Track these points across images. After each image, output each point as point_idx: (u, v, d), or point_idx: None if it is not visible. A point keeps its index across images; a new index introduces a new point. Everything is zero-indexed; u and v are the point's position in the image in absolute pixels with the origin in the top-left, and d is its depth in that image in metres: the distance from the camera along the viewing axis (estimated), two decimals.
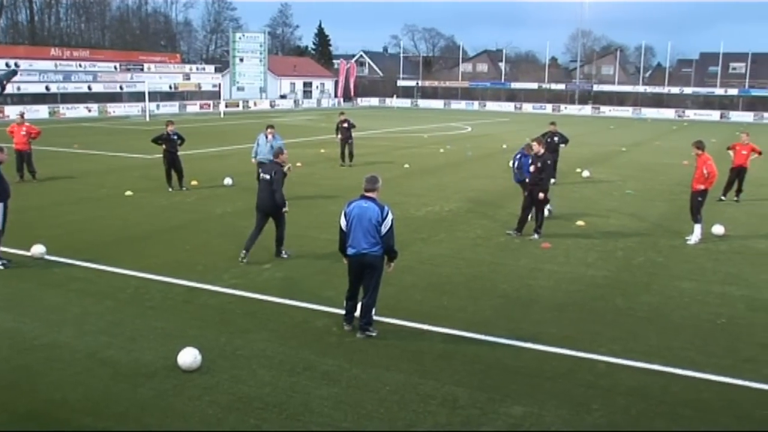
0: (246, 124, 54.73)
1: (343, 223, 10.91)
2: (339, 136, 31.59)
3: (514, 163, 20.34)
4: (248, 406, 8.60)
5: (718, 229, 18.84)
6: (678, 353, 10.67)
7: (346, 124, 31.23)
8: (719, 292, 13.93)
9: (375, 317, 11.03)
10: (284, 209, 15.24)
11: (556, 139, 26.13)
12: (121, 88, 67.81)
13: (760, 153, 24.94)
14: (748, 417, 8.84)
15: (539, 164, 17.65)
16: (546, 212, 19.03)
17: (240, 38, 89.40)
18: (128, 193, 22.67)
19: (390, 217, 10.72)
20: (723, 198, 24.30)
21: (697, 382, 9.77)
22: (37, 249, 14.60)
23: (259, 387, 9.12)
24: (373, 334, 10.86)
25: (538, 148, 17.79)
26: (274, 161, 15.98)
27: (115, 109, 63.74)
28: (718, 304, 13.16)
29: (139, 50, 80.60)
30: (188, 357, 9.49)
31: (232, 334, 10.91)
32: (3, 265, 14.16)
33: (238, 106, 78.02)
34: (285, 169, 15.53)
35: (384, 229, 10.61)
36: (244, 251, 15.06)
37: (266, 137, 22.08)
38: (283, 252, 15.50)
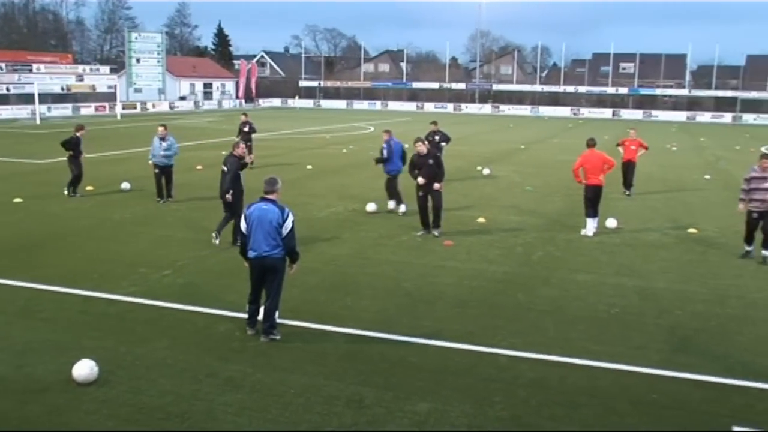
0: (144, 127, 53.23)
1: (243, 226, 10.77)
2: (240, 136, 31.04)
3: (384, 153, 20.89)
4: (149, 417, 8.38)
5: (611, 223, 19.41)
6: (575, 344, 10.93)
7: (247, 128, 30.80)
8: (613, 283, 14.31)
9: (278, 320, 10.90)
10: (227, 196, 16.18)
11: (437, 137, 26.41)
12: (8, 89, 65.27)
13: (646, 148, 25.91)
14: (641, 401, 9.12)
15: (430, 161, 17.70)
16: (400, 211, 19.90)
17: (136, 38, 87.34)
18: (17, 200, 21.83)
19: (291, 218, 10.65)
20: (627, 192, 25.21)
21: (593, 370, 10.02)
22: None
23: (161, 397, 8.90)
24: (277, 337, 10.77)
25: (422, 149, 17.79)
26: (231, 154, 16.78)
27: (2, 112, 61.53)
28: (612, 295, 13.53)
29: (27, 50, 77.69)
30: (84, 369, 9.12)
31: (131, 343, 10.61)
32: None
33: (135, 108, 76.46)
34: (247, 159, 17.21)
35: (285, 231, 10.53)
36: (215, 233, 16.48)
37: (159, 138, 21.66)
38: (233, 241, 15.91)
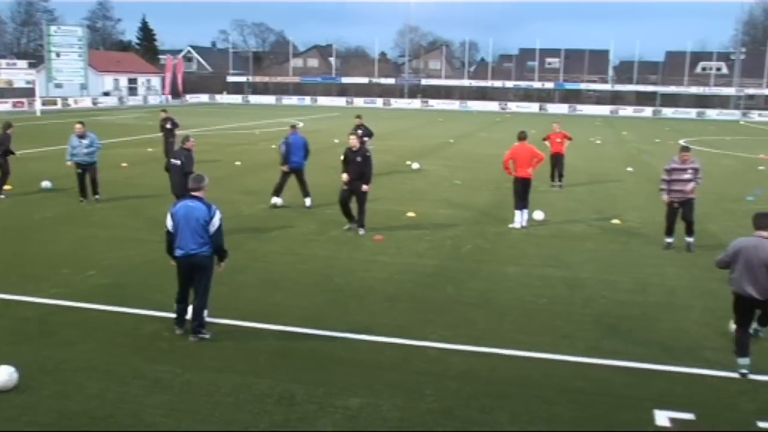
0: (66, 123, 51.24)
1: (169, 224, 10.56)
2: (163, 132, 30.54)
3: (282, 147, 21.00)
4: (74, 422, 8.15)
5: (538, 215, 19.66)
6: (504, 335, 11.03)
7: (169, 124, 30.13)
8: (540, 275, 14.50)
9: (207, 319, 10.75)
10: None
11: (360, 132, 26.42)
12: None
13: (570, 138, 26.31)
14: (568, 388, 9.25)
15: (359, 159, 17.48)
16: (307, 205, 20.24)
17: (56, 32, 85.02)
18: None
19: (218, 216, 10.52)
20: (553, 184, 25.73)
21: (521, 360, 10.13)
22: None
23: (86, 401, 8.67)
24: (207, 336, 10.62)
25: (354, 142, 17.64)
26: (182, 147, 17.49)
27: None
28: (540, 286, 13.70)
29: None
30: (2, 376, 8.82)
31: (54, 347, 10.33)
32: None
33: (56, 104, 74.75)
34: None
35: (212, 228, 10.41)
36: None
37: (77, 136, 20.98)
38: None
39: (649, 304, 12.87)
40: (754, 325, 9.80)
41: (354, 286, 13.52)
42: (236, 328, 11.12)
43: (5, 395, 8.73)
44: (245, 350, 10.31)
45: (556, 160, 25.69)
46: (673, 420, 8.44)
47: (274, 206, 20.77)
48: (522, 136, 19.08)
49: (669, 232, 16.84)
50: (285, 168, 20.84)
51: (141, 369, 9.61)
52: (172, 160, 17.44)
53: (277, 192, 20.95)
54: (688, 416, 8.54)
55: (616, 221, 19.79)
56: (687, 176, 16.41)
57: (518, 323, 11.62)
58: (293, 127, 22.03)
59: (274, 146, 38.84)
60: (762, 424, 8.43)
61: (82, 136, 20.92)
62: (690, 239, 16.81)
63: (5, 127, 23.07)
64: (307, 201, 20.86)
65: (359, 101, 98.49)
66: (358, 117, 27.65)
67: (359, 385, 9.16)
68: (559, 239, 17.65)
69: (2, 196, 22.20)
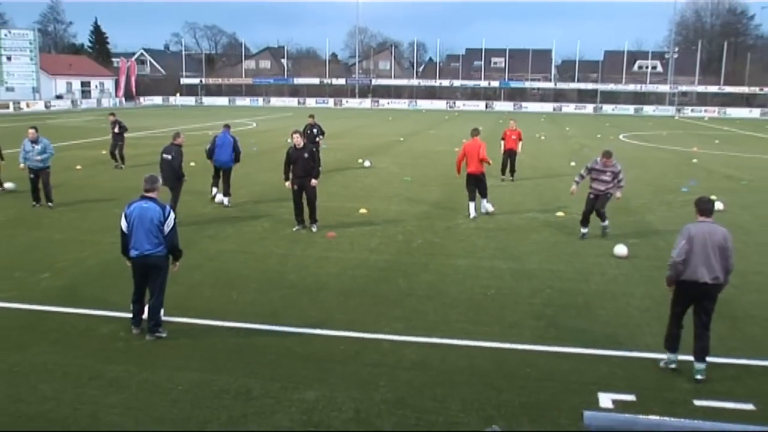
0: (18, 127, 50.38)
1: (123, 224, 10.45)
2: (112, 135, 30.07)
3: (207, 145, 21.36)
4: (29, 425, 8.03)
5: (488, 207, 19.76)
6: (454, 326, 11.11)
7: (117, 128, 29.56)
8: (489, 266, 14.61)
9: (164, 317, 10.66)
10: (184, 179, 18.37)
11: (314, 130, 26.82)
12: None
13: (521, 139, 26.54)
14: (516, 375, 9.39)
15: (306, 155, 17.30)
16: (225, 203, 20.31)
17: (6, 35, 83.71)
18: None
19: (172, 216, 10.46)
20: (504, 178, 25.93)
21: (471, 349, 10.21)
22: None
23: (41, 403, 8.53)
24: (163, 335, 10.53)
25: (299, 141, 17.42)
26: (173, 143, 18.58)
27: None
28: (488, 277, 13.81)
29: None
30: None
31: (7, 350, 10.14)
32: None
33: (8, 107, 73.40)
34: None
35: (167, 228, 10.33)
36: None
37: (30, 141, 20.46)
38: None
39: (591, 292, 13.06)
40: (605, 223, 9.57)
41: (308, 282, 13.49)
42: (192, 326, 11.04)
43: None
44: (202, 348, 10.24)
45: (509, 156, 25.92)
46: (615, 401, 8.59)
47: (213, 198, 20.88)
48: (475, 133, 19.40)
49: (584, 222, 17.29)
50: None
51: (97, 369, 9.49)
52: (164, 155, 18.31)
53: (215, 184, 21.16)
54: (630, 398, 8.71)
55: (560, 214, 20.01)
56: (606, 178, 16.85)
57: (468, 314, 11.70)
58: (226, 126, 22.01)
59: None
60: (697, 402, 8.65)
61: (35, 141, 20.42)
62: (604, 223, 17.48)
63: None
64: (225, 200, 20.80)
65: (311, 101, 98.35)
66: (311, 116, 27.89)
67: (314, 379, 9.16)
68: (506, 232, 17.78)
69: None
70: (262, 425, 7.97)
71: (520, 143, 26.46)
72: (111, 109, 54.67)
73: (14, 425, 8.05)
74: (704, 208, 9.52)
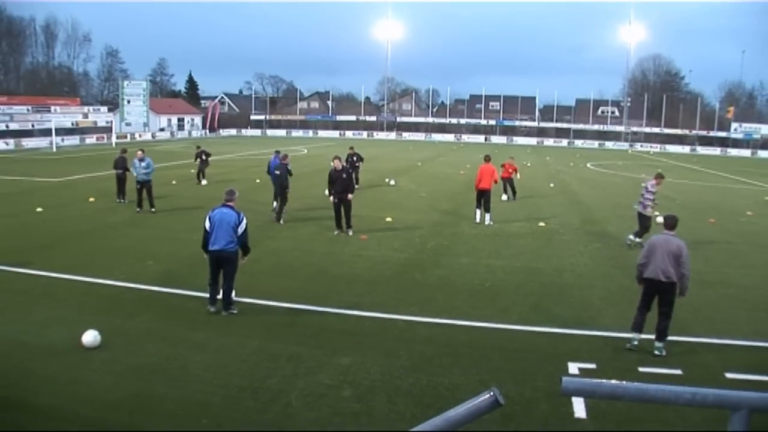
0: (133, 152, 51.73)
1: (207, 225, 10.57)
2: (197, 161, 30.36)
3: (269, 167, 21.28)
4: (139, 372, 8.26)
5: (488, 220, 19.77)
6: (458, 310, 11.08)
7: (203, 156, 30.04)
8: (486, 264, 14.54)
9: (234, 298, 10.74)
10: (287, 190, 19.00)
11: (354, 158, 26.88)
12: (32, 125, 63.04)
13: (517, 170, 26.39)
14: (505, 348, 9.43)
15: (344, 175, 17.35)
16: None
17: (127, 85, 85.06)
18: (39, 209, 21.06)
19: (245, 220, 10.58)
20: (505, 197, 25.64)
21: (470, 328, 10.20)
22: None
23: (147, 357, 8.76)
24: (234, 311, 10.61)
25: (338, 164, 17.48)
26: (281, 162, 19.43)
27: (28, 143, 59.45)
28: (486, 272, 13.76)
29: (47, 95, 75.07)
30: (90, 337, 9.01)
31: (123, 317, 10.38)
32: None
33: (126, 137, 73.90)
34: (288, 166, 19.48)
35: (240, 230, 10.46)
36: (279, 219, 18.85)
37: (138, 160, 20.89)
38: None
39: (564, 284, 13.01)
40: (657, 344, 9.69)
41: (345, 273, 13.52)
42: (255, 305, 11.11)
43: (92, 352, 8.92)
44: (262, 322, 10.34)
45: (507, 182, 25.77)
46: (580, 369, 8.61)
47: (273, 209, 20.55)
48: (487, 159, 20.09)
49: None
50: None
51: (186, 335, 9.65)
52: (275, 172, 19.17)
53: (275, 197, 20.82)
54: (591, 366, 8.72)
55: (542, 224, 19.87)
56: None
57: (469, 301, 11.68)
58: (277, 152, 22.05)
59: None
60: (641, 369, 8.72)
61: (141, 160, 20.84)
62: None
63: (122, 151, 24.00)
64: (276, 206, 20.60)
65: (349, 133, 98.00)
66: (351, 148, 27.84)
67: (349, 348, 9.20)
68: (500, 237, 17.69)
69: (125, 201, 22.66)
70: (309, 382, 8.01)
71: (516, 174, 26.27)
72: (198, 141, 54.87)
73: (128, 372, 8.27)
74: (668, 223, 9.74)
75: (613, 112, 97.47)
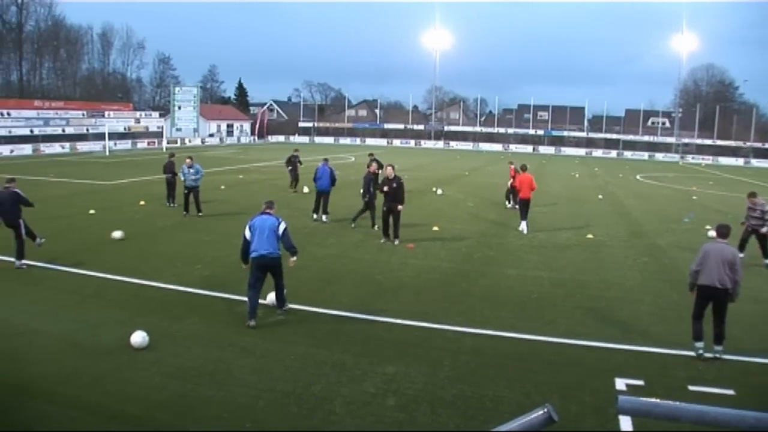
0: (183, 157, 52.47)
1: (247, 233, 10.69)
2: (290, 167, 30.19)
3: (315, 174, 21.09)
4: (186, 374, 8.37)
5: (524, 228, 19.73)
6: (504, 321, 10.93)
7: (298, 161, 29.93)
8: (532, 276, 14.33)
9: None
10: (365, 198, 18.96)
11: (375, 163, 25.77)
12: (87, 130, 64.85)
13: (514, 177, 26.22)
14: (551, 361, 9.22)
15: (395, 184, 17.12)
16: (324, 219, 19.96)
17: (179, 91, 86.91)
18: (92, 211, 21.61)
19: (284, 224, 10.72)
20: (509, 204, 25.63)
21: (516, 340, 10.04)
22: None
23: (194, 359, 8.88)
24: (287, 308, 10.89)
25: (390, 172, 17.35)
26: (368, 171, 19.56)
27: (83, 147, 61.26)
28: (532, 284, 13.56)
29: (101, 101, 77.23)
30: (138, 338, 9.21)
31: (171, 319, 10.55)
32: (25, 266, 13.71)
33: (176, 142, 75.28)
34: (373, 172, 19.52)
35: (281, 231, 10.60)
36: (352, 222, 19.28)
37: (187, 166, 21.28)
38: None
39: (612, 298, 12.71)
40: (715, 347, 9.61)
41: (391, 281, 13.48)
42: (301, 311, 11.15)
43: (140, 352, 9.09)
44: (308, 328, 10.35)
45: (513, 190, 25.81)
46: (628, 385, 8.38)
47: (315, 220, 20.62)
48: (524, 168, 20.25)
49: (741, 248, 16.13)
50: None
51: (232, 339, 9.73)
52: (364, 179, 19.22)
53: (315, 210, 20.94)
54: (639, 382, 8.49)
55: (589, 236, 19.53)
56: (755, 215, 16.08)
57: (514, 312, 11.52)
58: (325, 159, 22.10)
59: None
60: (691, 388, 8.42)
61: (190, 167, 21.24)
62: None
63: (170, 155, 24.43)
64: (324, 217, 20.67)
65: (397, 142, 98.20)
66: (371, 154, 26.69)
67: (394, 357, 9.15)
68: (546, 249, 17.44)
69: (175, 205, 22.98)
70: (353, 390, 7.99)
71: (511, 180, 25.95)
72: (247, 147, 55.64)
73: (175, 374, 8.39)
74: (720, 231, 9.88)
75: (663, 123, 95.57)
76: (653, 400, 2.43)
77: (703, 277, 9.43)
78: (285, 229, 10.66)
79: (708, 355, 9.45)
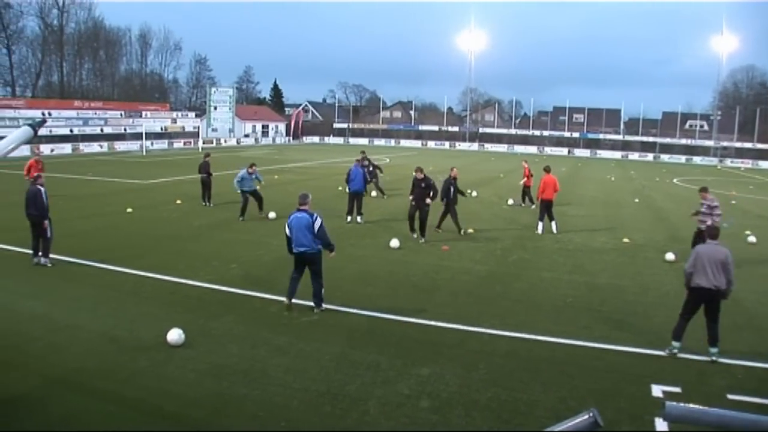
0: (218, 156, 52.39)
1: (287, 231, 10.95)
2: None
3: (349, 175, 21.01)
4: (221, 372, 8.45)
5: (548, 227, 19.89)
6: (539, 325, 10.83)
7: (371, 167, 27.12)
8: (568, 279, 14.19)
9: (310, 303, 11.02)
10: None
11: (366, 162, 25.38)
12: (125, 130, 66.09)
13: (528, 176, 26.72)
14: (586, 366, 9.14)
15: (423, 185, 17.83)
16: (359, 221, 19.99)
17: (215, 92, 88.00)
18: (129, 210, 21.97)
19: (319, 219, 10.84)
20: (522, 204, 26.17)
21: (552, 344, 9.95)
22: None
23: (229, 357, 8.96)
24: (322, 308, 10.97)
25: (419, 175, 17.95)
26: (450, 176, 18.96)
27: (120, 146, 62.44)
28: (567, 288, 13.41)
29: (139, 101, 78.59)
30: (175, 335, 9.34)
31: (207, 318, 10.67)
32: (50, 264, 13.92)
33: (212, 142, 76.22)
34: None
35: (316, 227, 10.73)
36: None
37: (248, 172, 21.01)
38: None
39: (648, 303, 12.52)
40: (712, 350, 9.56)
41: (426, 283, 13.44)
42: (337, 312, 11.18)
43: (176, 349, 9.21)
44: (343, 328, 10.37)
45: (524, 190, 26.76)
46: (664, 392, 8.25)
47: (349, 222, 20.56)
48: (548, 169, 20.36)
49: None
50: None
51: (267, 338, 9.80)
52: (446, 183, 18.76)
53: (349, 212, 20.83)
54: (676, 389, 8.36)
55: (626, 240, 19.26)
56: (703, 210, 16.23)
57: (550, 316, 11.41)
58: (357, 160, 22.21)
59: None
60: (731, 396, 8.24)
61: (252, 173, 21.18)
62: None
63: (205, 155, 24.69)
64: (359, 218, 20.63)
65: (431, 143, 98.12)
66: (362, 152, 26.45)
67: (428, 359, 9.12)
68: (582, 252, 17.24)
69: (210, 204, 23.30)
70: (388, 391, 7.98)
71: (527, 179, 26.46)
72: (282, 147, 56.00)
73: (210, 371, 8.48)
74: (710, 233, 10.08)
75: (701, 126, 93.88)
76: (702, 407, 2.38)
77: (696, 279, 9.50)
78: (321, 225, 10.80)
79: (690, 356, 9.42)
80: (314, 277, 10.96)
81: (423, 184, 17.74)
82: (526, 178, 26.41)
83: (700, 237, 16.03)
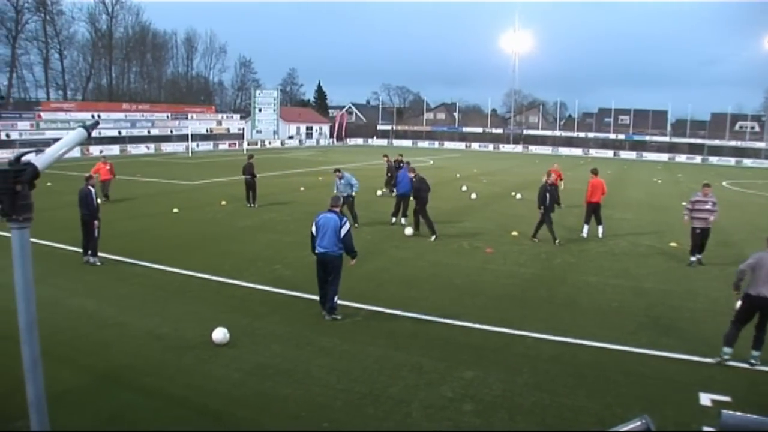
0: (262, 158, 53.19)
1: (313, 229, 10.96)
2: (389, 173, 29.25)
3: (396, 179, 21.24)
4: (264, 371, 8.55)
5: (594, 230, 19.68)
6: (584, 329, 10.70)
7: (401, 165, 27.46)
8: (613, 284, 13.97)
9: (354, 304, 11.01)
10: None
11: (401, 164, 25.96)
12: (171, 131, 67.49)
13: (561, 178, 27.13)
14: (631, 372, 8.97)
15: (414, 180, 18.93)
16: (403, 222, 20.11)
17: (259, 94, 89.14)
18: (175, 210, 22.38)
19: (347, 224, 10.81)
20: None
21: (597, 350, 9.81)
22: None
23: (273, 357, 9.06)
24: (338, 317, 10.80)
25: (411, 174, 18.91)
26: (547, 182, 18.49)
27: (167, 147, 63.72)
28: (613, 293, 13.22)
29: (185, 104, 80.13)
30: (220, 334, 9.49)
31: (251, 317, 10.81)
32: (99, 263, 14.33)
33: (257, 144, 77.15)
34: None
35: (343, 232, 10.69)
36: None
37: (338, 179, 19.96)
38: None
39: (697, 309, 12.26)
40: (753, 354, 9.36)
41: (469, 286, 13.39)
42: (380, 314, 11.22)
43: (221, 348, 9.35)
44: (386, 330, 10.38)
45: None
46: (713, 401, 8.05)
47: (393, 223, 20.45)
48: (595, 172, 20.01)
49: (693, 251, 16.46)
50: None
51: (311, 338, 9.87)
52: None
53: (394, 213, 20.73)
54: (726, 398, 8.15)
55: (673, 244, 18.90)
56: (708, 207, 16.27)
57: (595, 321, 11.25)
58: (406, 163, 22.22)
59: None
60: None
61: (341, 178, 20.10)
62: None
63: (249, 157, 25.07)
64: (403, 220, 20.42)
65: (475, 146, 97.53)
66: (385, 155, 26.82)
67: (472, 362, 9.09)
68: (628, 257, 16.97)
69: (255, 205, 23.57)
70: (431, 394, 7.97)
71: (561, 182, 26.21)
72: (325, 149, 56.34)
73: (255, 370, 8.58)
74: None
75: (752, 128, 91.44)
76: (759, 417, 2.32)
77: (755, 287, 9.22)
78: (348, 231, 10.76)
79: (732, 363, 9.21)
80: (332, 282, 10.86)
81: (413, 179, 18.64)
82: (547, 178, 25.88)
83: (702, 236, 16.18)
